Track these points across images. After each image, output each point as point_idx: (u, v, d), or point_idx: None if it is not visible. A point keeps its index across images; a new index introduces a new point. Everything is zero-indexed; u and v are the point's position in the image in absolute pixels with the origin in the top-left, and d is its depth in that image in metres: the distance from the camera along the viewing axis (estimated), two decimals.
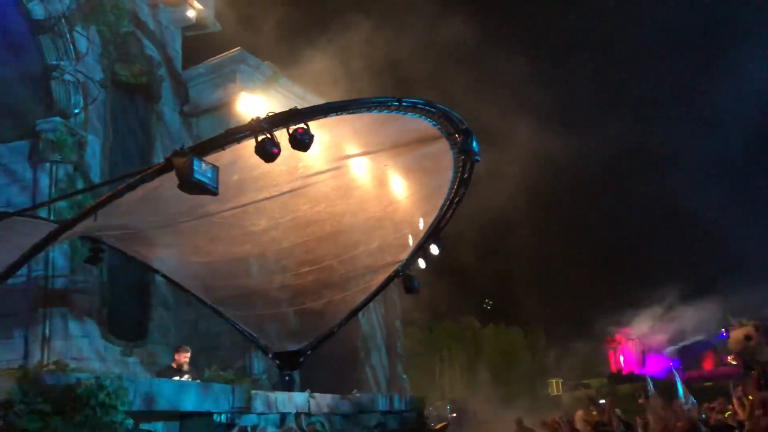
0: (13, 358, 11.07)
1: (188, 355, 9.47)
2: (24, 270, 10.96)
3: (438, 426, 12.73)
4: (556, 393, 37.01)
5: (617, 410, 12.65)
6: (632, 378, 30.96)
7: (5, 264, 6.50)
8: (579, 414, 15.41)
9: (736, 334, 10.84)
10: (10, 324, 11.47)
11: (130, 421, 5.34)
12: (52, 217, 10.93)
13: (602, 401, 16.24)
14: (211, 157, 6.04)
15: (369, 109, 6.73)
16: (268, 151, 6.12)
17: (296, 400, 8.53)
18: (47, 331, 11.27)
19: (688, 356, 31.75)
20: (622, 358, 35.04)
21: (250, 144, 6.21)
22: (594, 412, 13.10)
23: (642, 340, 34.06)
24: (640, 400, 11.26)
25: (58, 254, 11.67)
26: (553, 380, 38.09)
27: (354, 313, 10.91)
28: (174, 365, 9.39)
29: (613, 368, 35.33)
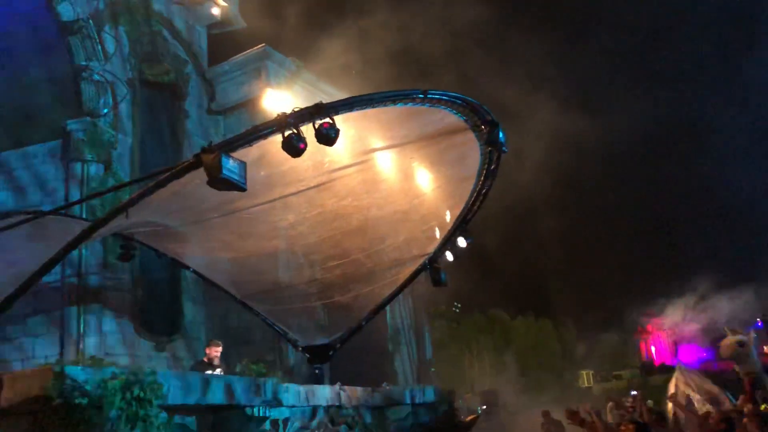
0: (49, 354, 11.31)
1: (219, 349, 9.57)
2: (58, 268, 11.20)
3: (468, 418, 12.70)
4: (586, 385, 36.71)
5: (649, 401, 12.52)
6: (664, 369, 30.60)
7: (40, 262, 6.63)
8: (610, 406, 15.29)
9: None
10: (46, 321, 11.73)
11: (164, 415, 5.43)
12: (84, 216, 11.13)
13: (634, 393, 16.09)
14: (239, 154, 6.08)
15: (394, 102, 6.70)
16: (294, 147, 6.14)
17: (327, 393, 8.59)
18: (81, 327, 11.50)
19: None
20: (653, 349, 34.62)
21: (277, 140, 6.24)
22: (627, 404, 12.99)
23: (674, 331, 33.61)
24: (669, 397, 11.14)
25: (91, 252, 11.88)
26: (584, 372, 37.77)
27: (382, 306, 10.92)
28: (206, 359, 9.51)
29: (645, 359, 34.94)
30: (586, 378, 37.59)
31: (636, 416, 9.64)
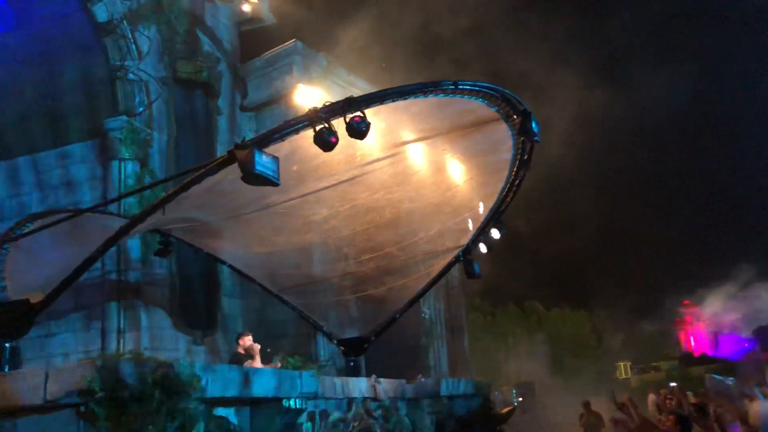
0: (91, 349, 11.57)
1: (250, 337, 9.58)
2: (98, 264, 11.42)
3: (504, 410, 12.66)
4: (624, 376, 36.25)
5: (689, 393, 12.31)
6: (705, 360, 30.08)
7: (80, 259, 6.78)
8: (651, 399, 15.06)
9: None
10: (87, 316, 12.00)
11: (203, 408, 5.51)
12: (122, 213, 11.34)
13: (673, 384, 15.86)
14: (271, 149, 6.14)
15: (425, 94, 6.69)
16: (326, 141, 6.18)
17: (362, 385, 8.63)
18: (122, 322, 11.72)
19: (767, 337, 30.44)
20: (693, 340, 34.03)
21: (309, 134, 6.28)
22: (667, 396, 12.78)
23: (714, 321, 32.97)
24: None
25: (130, 248, 12.10)
26: (621, 363, 37.28)
27: (416, 299, 10.92)
28: (241, 351, 9.58)
29: (684, 350, 34.37)
30: (623, 369, 37.11)
31: (676, 408, 9.48)
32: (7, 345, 6.80)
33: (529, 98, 7.26)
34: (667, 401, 11.87)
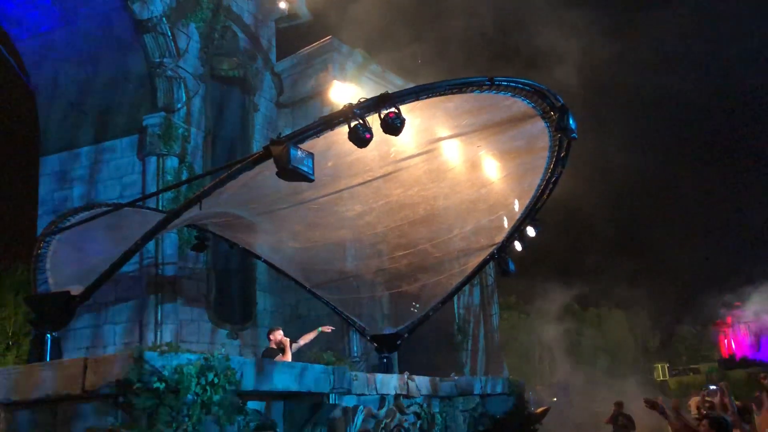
0: (129, 341, 11.80)
1: (281, 332, 9.67)
2: (136, 258, 11.66)
3: (539, 410, 12.51)
4: (661, 378, 35.62)
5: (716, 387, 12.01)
6: (746, 363, 29.38)
7: (119, 252, 6.91)
8: (695, 401, 14.72)
9: None
10: (126, 309, 12.24)
11: (237, 400, 5.57)
12: (160, 207, 11.53)
13: (713, 387, 15.52)
14: (307, 145, 6.16)
15: (460, 90, 6.64)
16: (360, 137, 6.18)
17: (395, 382, 8.62)
18: (159, 315, 11.93)
19: None
20: (733, 342, 33.25)
21: (344, 131, 6.29)
22: (704, 398, 12.52)
23: (757, 322, 32.13)
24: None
25: (168, 243, 12.31)
26: (659, 365, 36.63)
27: (449, 296, 10.88)
28: (274, 345, 9.67)
29: (724, 352, 33.61)
30: (661, 371, 36.47)
31: (719, 410, 9.24)
32: (48, 336, 6.95)
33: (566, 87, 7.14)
34: (706, 402, 11.63)
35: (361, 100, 6.27)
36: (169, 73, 13.00)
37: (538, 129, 7.74)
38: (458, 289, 10.86)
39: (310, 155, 6.07)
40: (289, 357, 9.23)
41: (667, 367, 36.32)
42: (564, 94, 7.10)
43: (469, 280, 10.77)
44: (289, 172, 5.93)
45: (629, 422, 14.04)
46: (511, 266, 10.17)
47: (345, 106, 6.24)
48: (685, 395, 16.44)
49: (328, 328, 10.59)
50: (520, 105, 7.24)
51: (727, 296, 32.47)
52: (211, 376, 5.33)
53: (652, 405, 7.09)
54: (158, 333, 11.74)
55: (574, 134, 7.38)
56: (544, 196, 9.15)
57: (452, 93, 6.65)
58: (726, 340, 33.67)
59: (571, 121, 7.18)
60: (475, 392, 10.82)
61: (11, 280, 18.96)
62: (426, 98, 6.54)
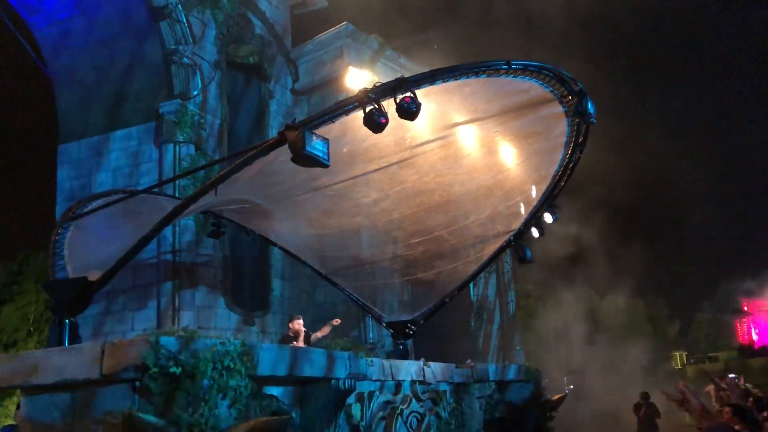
0: (147, 328, 11.89)
1: (301, 321, 9.75)
2: (154, 245, 11.73)
3: (555, 397, 12.47)
4: (679, 366, 35.34)
5: (748, 385, 11.91)
6: (766, 351, 29.09)
7: (137, 238, 6.93)
8: (712, 389, 14.62)
9: None
10: (144, 295, 12.32)
11: (254, 385, 5.58)
12: (177, 194, 11.58)
13: (732, 375, 15.38)
14: (322, 131, 6.13)
15: (477, 74, 6.57)
16: (376, 122, 6.14)
17: (411, 368, 8.61)
18: (176, 301, 12.01)
19: None
20: (753, 330, 32.90)
21: (359, 116, 6.25)
22: (723, 387, 12.41)
23: None
24: None
25: (185, 230, 12.37)
26: (677, 353, 36.32)
27: (465, 283, 10.84)
28: (291, 333, 9.73)
29: (743, 341, 33.27)
30: (678, 359, 36.18)
31: (734, 399, 9.19)
32: (66, 321, 7.01)
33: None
34: (721, 392, 11.52)
35: (377, 84, 6.23)
36: (185, 60, 13.00)
37: (556, 114, 7.65)
38: (474, 276, 10.81)
39: (326, 140, 6.04)
40: (301, 344, 9.29)
41: (685, 355, 36.01)
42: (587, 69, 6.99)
43: (485, 267, 10.71)
44: (304, 158, 5.90)
45: (655, 412, 13.97)
46: (528, 254, 10.11)
47: (360, 90, 6.20)
48: (703, 384, 16.27)
49: (337, 321, 10.73)
50: (537, 89, 7.16)
51: (747, 283, 32.12)
52: (227, 361, 5.34)
53: (674, 398, 7.04)
54: (176, 319, 11.82)
55: (592, 119, 7.29)
56: (562, 183, 9.06)
57: (469, 77, 6.58)
58: (745, 328, 33.32)
59: (589, 106, 7.09)
60: (492, 379, 10.79)
61: (32, 267, 19.20)
62: (442, 82, 6.49)
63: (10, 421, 11.58)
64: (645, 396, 14.35)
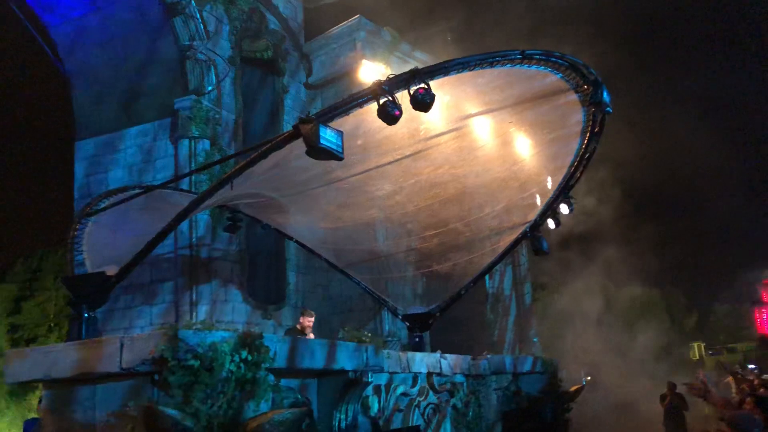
0: (166, 321, 11.98)
1: (312, 319, 9.67)
2: (171, 240, 11.82)
3: (572, 389, 12.45)
4: (697, 357, 35.08)
5: (765, 376, 11.80)
6: None
7: (154, 233, 6.98)
8: (731, 380, 14.50)
9: None
10: (163, 290, 12.43)
11: (271, 377, 5.62)
12: (192, 189, 11.64)
13: (751, 366, 15.25)
14: (336, 123, 6.13)
15: (491, 64, 6.52)
16: (389, 114, 6.12)
17: (427, 360, 8.62)
18: (194, 295, 12.10)
19: None
20: None
21: (373, 108, 6.23)
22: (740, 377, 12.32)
23: None
24: None
25: (201, 225, 12.44)
26: (695, 344, 36.03)
27: (481, 275, 10.80)
28: (298, 327, 9.70)
29: (762, 331, 32.93)
30: (697, 350, 35.89)
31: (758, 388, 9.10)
32: (85, 315, 7.07)
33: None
34: (742, 384, 11.42)
35: (390, 76, 6.21)
36: (200, 56, 13.04)
37: (572, 103, 7.59)
38: (490, 268, 10.77)
39: (340, 133, 6.04)
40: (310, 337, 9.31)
41: (703, 346, 35.71)
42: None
43: (501, 259, 10.67)
44: (318, 151, 5.91)
45: (682, 403, 13.87)
46: (545, 245, 10.04)
47: (374, 82, 6.18)
48: (722, 375, 16.15)
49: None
50: (552, 79, 7.10)
51: (766, 273, 31.77)
52: (245, 353, 5.38)
53: (697, 392, 6.98)
54: (193, 313, 11.91)
55: (608, 108, 7.22)
56: (578, 173, 8.99)
57: (483, 67, 6.54)
58: (765, 319, 32.96)
59: (605, 95, 7.03)
60: (508, 371, 10.79)
61: (51, 263, 19.43)
62: (456, 73, 6.45)
63: (34, 415, 11.73)
64: (672, 386, 14.23)
